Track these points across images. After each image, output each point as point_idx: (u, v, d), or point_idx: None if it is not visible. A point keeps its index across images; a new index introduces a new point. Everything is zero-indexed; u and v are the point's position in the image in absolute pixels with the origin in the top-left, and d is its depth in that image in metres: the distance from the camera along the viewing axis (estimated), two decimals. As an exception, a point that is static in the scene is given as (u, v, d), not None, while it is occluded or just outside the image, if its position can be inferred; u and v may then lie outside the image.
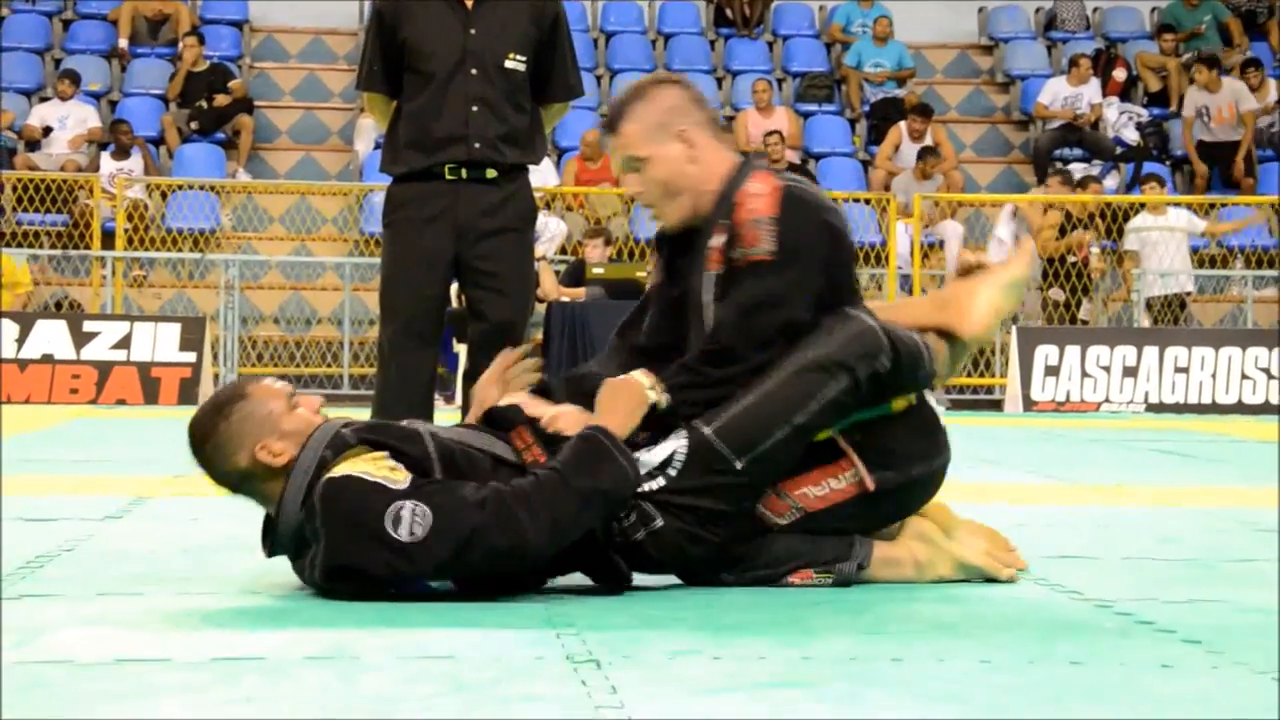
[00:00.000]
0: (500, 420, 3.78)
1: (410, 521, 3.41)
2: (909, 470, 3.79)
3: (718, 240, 3.82)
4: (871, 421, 3.75)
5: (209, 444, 3.57)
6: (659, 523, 3.65)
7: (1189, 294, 14.92)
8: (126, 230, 14.93)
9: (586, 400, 3.78)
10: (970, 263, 4.10)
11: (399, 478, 3.48)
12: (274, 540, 3.59)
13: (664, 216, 3.94)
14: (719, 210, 3.85)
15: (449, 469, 3.57)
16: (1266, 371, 13.39)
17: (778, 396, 3.66)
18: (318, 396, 3.69)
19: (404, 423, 3.77)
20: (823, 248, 3.79)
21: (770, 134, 16.06)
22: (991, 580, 3.88)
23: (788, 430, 3.66)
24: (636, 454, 3.64)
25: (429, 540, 3.41)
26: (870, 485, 3.74)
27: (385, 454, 3.56)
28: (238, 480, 3.59)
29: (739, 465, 3.65)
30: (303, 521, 3.50)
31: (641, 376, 3.71)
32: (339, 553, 3.44)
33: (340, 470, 3.49)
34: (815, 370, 3.66)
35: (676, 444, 3.67)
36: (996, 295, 4.02)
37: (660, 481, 3.65)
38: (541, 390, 3.96)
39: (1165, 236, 14.89)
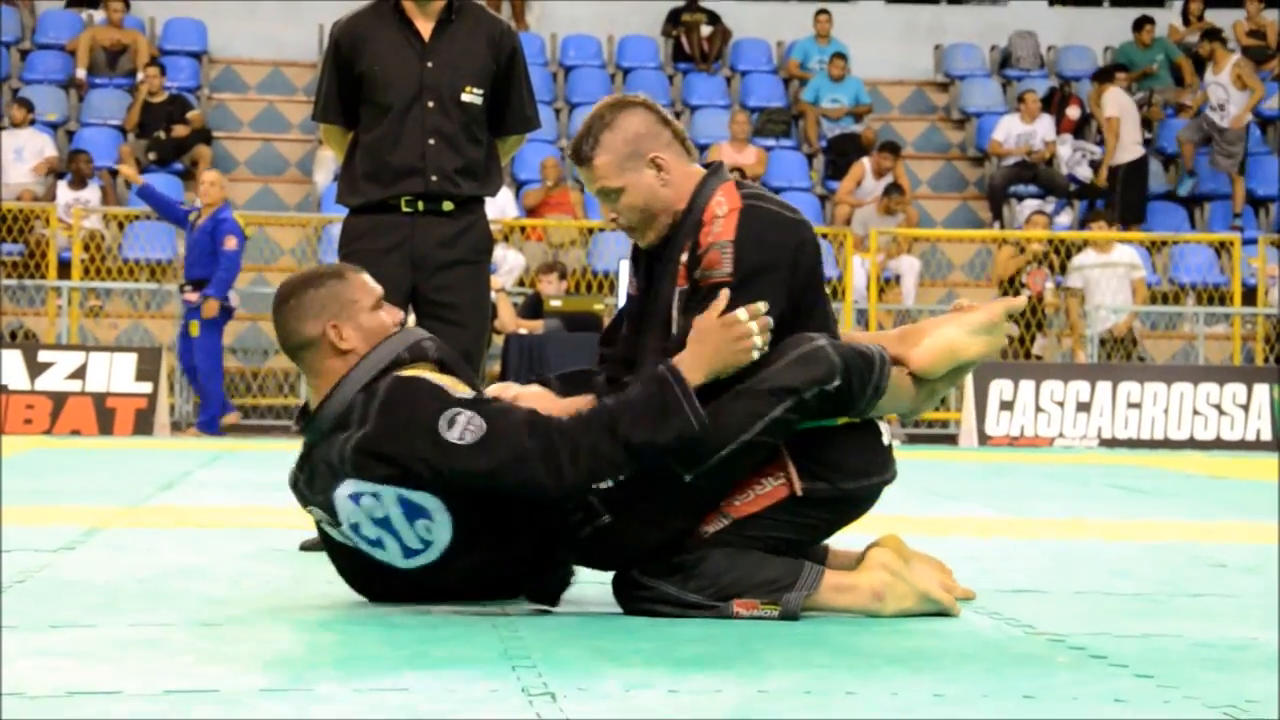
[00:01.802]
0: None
1: (463, 427, 3.60)
2: (841, 484, 3.80)
3: (683, 255, 3.88)
4: (810, 431, 3.77)
5: (290, 301, 3.80)
6: (605, 519, 3.73)
7: (1124, 333, 14.88)
8: (83, 260, 14.88)
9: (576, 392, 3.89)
10: (958, 304, 4.13)
11: (463, 390, 3.71)
12: (310, 419, 3.76)
13: (643, 238, 3.98)
14: (685, 226, 3.91)
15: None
16: (1218, 407, 13.47)
17: (725, 418, 3.70)
18: (400, 311, 3.93)
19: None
20: (783, 264, 3.82)
21: (733, 170, 16.05)
22: (944, 614, 3.89)
23: (735, 447, 3.72)
24: None
25: (475, 448, 3.57)
26: (798, 489, 3.76)
27: (455, 379, 3.78)
28: (298, 345, 3.82)
29: (687, 478, 3.71)
30: (353, 405, 3.67)
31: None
32: (381, 439, 3.61)
33: (411, 372, 3.72)
34: (762, 394, 3.70)
35: None
36: (959, 335, 4.02)
37: (609, 481, 3.67)
38: (542, 384, 3.98)
39: (1107, 274, 14.95)
